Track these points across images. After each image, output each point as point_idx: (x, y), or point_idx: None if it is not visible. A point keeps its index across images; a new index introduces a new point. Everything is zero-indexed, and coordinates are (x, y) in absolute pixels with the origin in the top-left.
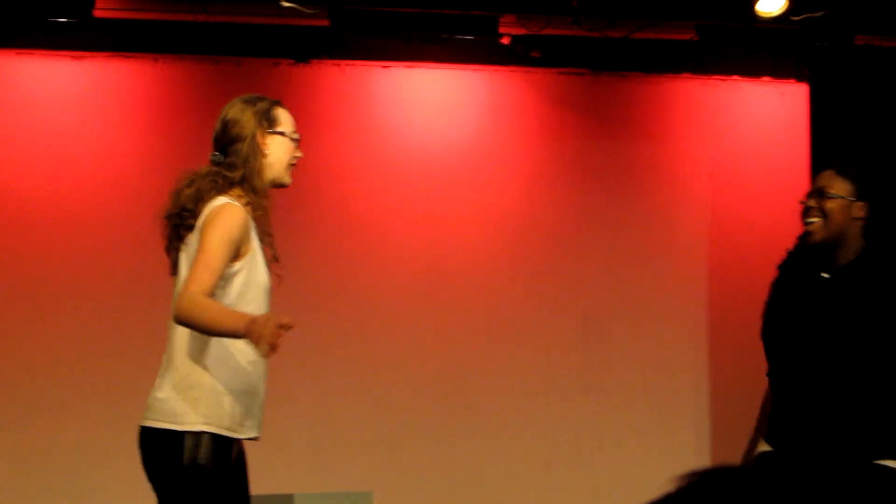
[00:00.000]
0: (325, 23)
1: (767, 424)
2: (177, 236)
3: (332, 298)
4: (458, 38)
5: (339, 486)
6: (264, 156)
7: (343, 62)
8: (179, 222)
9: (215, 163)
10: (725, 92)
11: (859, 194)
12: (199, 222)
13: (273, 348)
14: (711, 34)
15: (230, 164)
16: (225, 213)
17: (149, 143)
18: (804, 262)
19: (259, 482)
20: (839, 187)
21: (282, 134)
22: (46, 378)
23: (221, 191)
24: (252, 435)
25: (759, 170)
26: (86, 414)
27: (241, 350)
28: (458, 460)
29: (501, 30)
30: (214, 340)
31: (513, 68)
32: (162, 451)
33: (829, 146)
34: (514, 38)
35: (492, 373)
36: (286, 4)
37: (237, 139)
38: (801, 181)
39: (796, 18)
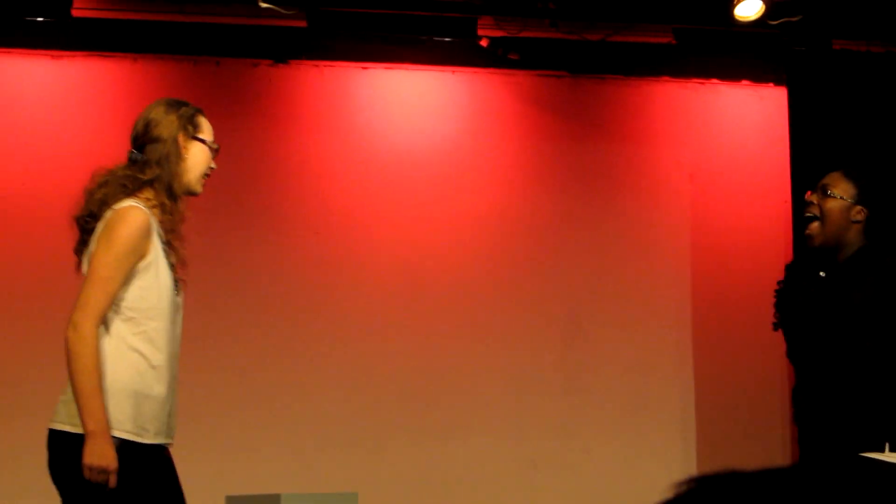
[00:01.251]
0: (303, 24)
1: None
2: (83, 239)
3: (313, 299)
4: (436, 40)
5: (325, 487)
6: (184, 160)
7: (322, 63)
8: (84, 225)
9: (132, 160)
10: (704, 95)
11: (859, 198)
12: (100, 226)
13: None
14: (689, 37)
15: (145, 162)
16: (127, 218)
17: (128, 143)
18: (806, 261)
19: (244, 483)
20: (842, 188)
21: (203, 141)
22: (20, 379)
23: (130, 194)
24: (159, 441)
25: (739, 172)
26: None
27: (145, 353)
28: (442, 461)
29: (479, 32)
30: (116, 340)
31: (492, 70)
32: (63, 454)
33: (807, 149)
34: (493, 41)
35: (474, 373)
36: (264, 5)
37: (157, 139)
38: (780, 184)
39: (774, 23)
